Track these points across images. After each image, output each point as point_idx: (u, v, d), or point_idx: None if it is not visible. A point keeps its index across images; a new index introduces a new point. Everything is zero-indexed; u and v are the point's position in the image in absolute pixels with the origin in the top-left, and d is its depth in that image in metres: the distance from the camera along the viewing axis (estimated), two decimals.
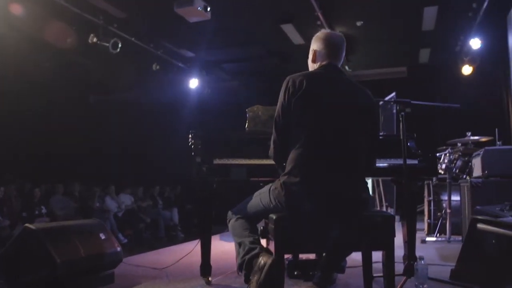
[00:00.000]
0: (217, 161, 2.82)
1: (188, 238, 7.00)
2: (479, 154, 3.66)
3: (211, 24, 6.93)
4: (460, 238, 4.64)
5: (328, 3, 6.62)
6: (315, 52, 2.42)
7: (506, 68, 6.72)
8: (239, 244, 2.35)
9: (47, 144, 8.04)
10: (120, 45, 6.73)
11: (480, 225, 2.25)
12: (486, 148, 3.49)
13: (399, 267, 3.28)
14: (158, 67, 7.83)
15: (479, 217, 2.41)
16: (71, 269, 2.77)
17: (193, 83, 8.95)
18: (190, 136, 3.14)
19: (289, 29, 7.54)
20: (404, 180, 2.68)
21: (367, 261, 2.56)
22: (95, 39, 6.39)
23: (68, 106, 8.29)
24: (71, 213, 7.03)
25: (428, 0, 6.59)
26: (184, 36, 7.57)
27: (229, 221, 2.55)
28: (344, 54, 2.43)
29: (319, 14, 6.83)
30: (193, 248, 3.50)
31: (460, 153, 4.61)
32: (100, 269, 3.05)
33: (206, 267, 2.99)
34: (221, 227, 6.75)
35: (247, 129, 3.18)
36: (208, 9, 6.01)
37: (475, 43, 7.07)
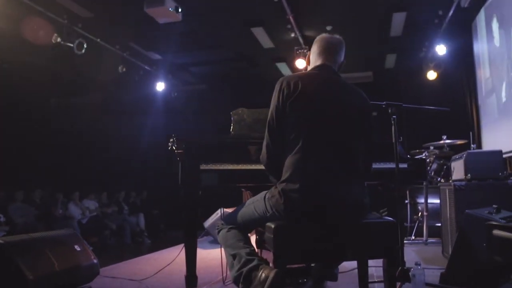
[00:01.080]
0: (203, 167, 2.68)
1: (156, 245, 6.80)
2: (460, 157, 3.69)
3: (180, 26, 6.76)
4: (435, 240, 4.69)
5: (299, 7, 6.60)
6: (309, 54, 2.40)
7: (471, 73, 6.91)
8: (234, 256, 2.22)
9: (4, 149, 7.61)
10: (85, 46, 6.45)
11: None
12: (469, 151, 3.53)
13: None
14: (124, 69, 7.57)
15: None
16: (45, 285, 2.55)
17: (160, 86, 8.73)
18: (171, 140, 2.99)
19: (259, 33, 7.47)
20: (397, 184, 2.65)
21: (363, 268, 2.50)
22: (58, 39, 6.08)
23: (29, 109, 7.88)
24: (31, 221, 6.71)
25: (397, 6, 6.69)
26: (152, 38, 7.36)
27: (219, 231, 2.42)
28: (341, 57, 2.36)
29: (290, 17, 6.81)
30: (175, 257, 3.34)
31: (435, 156, 4.68)
32: (76, 284, 2.84)
33: (191, 277, 2.84)
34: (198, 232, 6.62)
35: (232, 132, 3.06)
36: (180, 10, 5.85)
37: (441, 50, 7.24)
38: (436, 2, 6.48)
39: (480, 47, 6.34)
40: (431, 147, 4.87)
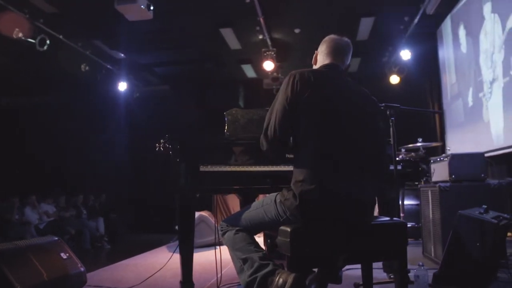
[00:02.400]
0: (203, 168, 2.58)
1: (119, 250, 6.58)
2: (441, 159, 3.78)
3: (147, 24, 6.58)
4: (413, 241, 4.80)
5: (269, 9, 6.58)
6: (316, 54, 2.35)
7: (436, 79, 7.15)
8: (244, 260, 2.13)
9: None
10: (48, 42, 6.13)
11: None
12: (453, 153, 3.62)
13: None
14: (87, 68, 7.25)
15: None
16: None
17: (122, 86, 8.45)
18: (162, 141, 2.88)
19: (228, 33, 7.40)
20: (396, 185, 2.67)
21: (368, 270, 2.48)
22: (20, 34, 5.73)
23: None
24: None
25: (365, 11, 6.82)
26: (118, 36, 7.11)
27: (224, 233, 2.33)
28: (348, 60, 2.33)
29: (261, 19, 6.78)
30: (165, 263, 3.20)
31: (411, 158, 4.78)
32: None
33: (188, 284, 2.72)
34: (166, 236, 6.46)
35: (227, 133, 2.98)
36: (151, 8, 5.67)
37: (405, 55, 7.45)
38: (404, 9, 6.66)
39: (446, 53, 6.57)
40: (402, 149, 4.99)
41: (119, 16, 5.85)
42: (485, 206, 2.98)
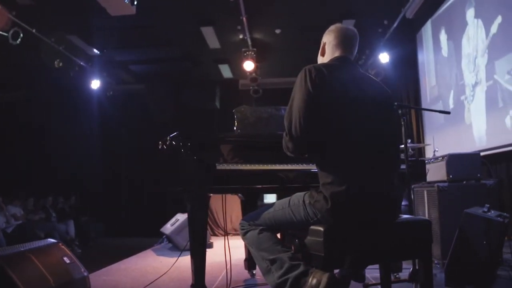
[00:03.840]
0: (220, 167, 2.49)
1: (89, 253, 6.36)
2: (436, 160, 3.85)
3: (127, 20, 6.40)
4: None
5: (252, 8, 6.54)
6: (324, 45, 2.22)
7: (414, 82, 7.29)
8: (272, 261, 2.06)
9: None
10: (21, 36, 5.84)
11: None
12: (450, 154, 3.68)
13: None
14: (61, 64, 6.97)
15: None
16: None
17: (95, 84, 8.17)
18: (169, 138, 2.78)
19: (209, 32, 7.30)
20: (407, 184, 2.68)
21: (386, 271, 2.47)
22: None
23: None
24: None
25: (347, 13, 6.88)
26: (94, 31, 6.88)
27: (246, 232, 2.24)
28: (356, 50, 2.22)
29: (244, 18, 6.73)
30: (170, 266, 3.08)
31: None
32: None
33: None
34: (151, 239, 6.26)
35: (238, 131, 2.91)
36: (135, 2, 5.50)
37: (384, 58, 7.57)
38: (384, 12, 6.76)
39: (426, 57, 6.72)
40: None
41: (98, 10, 5.64)
42: (488, 205, 3.05)
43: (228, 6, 6.38)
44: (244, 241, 2.28)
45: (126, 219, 8.77)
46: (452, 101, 5.73)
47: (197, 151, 2.57)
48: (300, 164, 2.68)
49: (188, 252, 3.12)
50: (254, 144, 2.76)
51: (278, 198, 3.60)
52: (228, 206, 6.45)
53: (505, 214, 3.08)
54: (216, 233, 6.47)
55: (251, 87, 9.03)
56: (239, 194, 3.53)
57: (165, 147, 3.01)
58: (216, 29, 7.21)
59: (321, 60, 2.23)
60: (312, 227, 2.03)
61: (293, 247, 2.18)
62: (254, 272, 3.49)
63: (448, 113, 2.99)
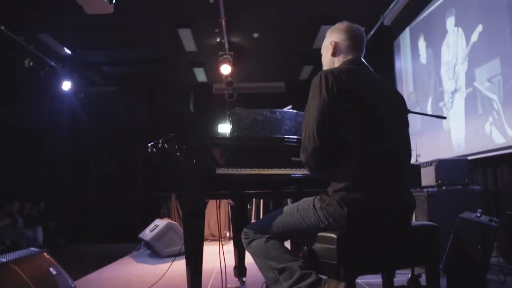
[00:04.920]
0: (220, 171, 2.39)
1: (60, 261, 6.06)
2: (424, 165, 3.87)
3: (102, 19, 6.21)
4: None
5: (231, 11, 6.47)
6: (335, 44, 2.11)
7: None
8: (281, 270, 1.97)
9: None
10: None
11: None
12: (439, 159, 3.70)
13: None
14: (31, 63, 6.67)
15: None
16: None
17: (66, 85, 7.88)
18: (162, 141, 2.66)
19: (186, 34, 7.20)
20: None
21: (389, 279, 2.44)
22: None
23: None
24: None
25: (326, 19, 6.90)
26: (67, 30, 6.63)
27: (250, 241, 2.14)
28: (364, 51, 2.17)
29: (223, 21, 6.65)
30: (163, 274, 2.94)
31: None
32: None
33: None
34: (124, 246, 6.04)
35: (234, 133, 2.81)
36: (113, 1, 5.33)
37: None
38: (362, 19, 6.81)
39: (403, 64, 6.81)
40: None
41: (74, 8, 5.44)
42: (480, 210, 3.07)
43: (207, 8, 6.29)
44: (248, 250, 2.17)
45: (96, 225, 8.47)
46: (431, 108, 5.82)
47: (195, 154, 2.46)
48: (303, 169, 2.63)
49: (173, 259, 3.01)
50: (256, 148, 2.67)
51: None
52: (205, 211, 6.37)
53: (495, 219, 3.11)
54: None
55: (225, 92, 8.93)
56: (229, 200, 3.43)
57: (154, 150, 2.89)
58: (193, 31, 7.10)
59: (331, 60, 2.14)
60: (322, 233, 1.96)
61: (300, 255, 2.10)
62: (244, 279, 3.39)
63: (444, 118, 3.00)
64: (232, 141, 2.69)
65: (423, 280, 2.79)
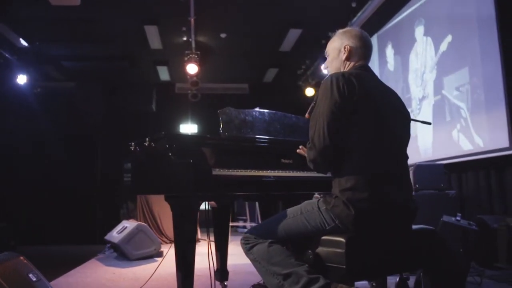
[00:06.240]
0: (216, 172, 2.32)
1: None
2: None
3: (66, 12, 5.95)
4: None
5: (200, 9, 6.37)
6: (350, 48, 2.13)
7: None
8: (286, 276, 1.92)
9: None
10: None
11: None
12: (418, 164, 3.79)
13: None
14: None
15: None
16: None
17: (22, 79, 7.47)
18: (149, 139, 2.56)
19: (152, 31, 7.01)
20: None
21: (383, 283, 2.45)
22: None
23: None
24: None
25: (295, 22, 6.94)
26: (27, 21, 6.28)
27: (252, 246, 2.08)
28: None
29: (192, 19, 6.53)
30: (150, 275, 2.80)
31: None
32: None
33: None
34: (88, 247, 5.77)
35: (226, 133, 2.74)
36: None
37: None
38: (331, 24, 6.90)
39: None
40: None
41: None
42: (460, 214, 3.16)
43: (176, 6, 6.16)
44: (248, 256, 2.11)
45: (51, 226, 8.06)
46: None
47: (190, 154, 2.37)
48: (303, 172, 2.61)
49: (143, 262, 2.84)
50: (253, 149, 2.64)
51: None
52: (168, 212, 6.21)
53: (471, 222, 3.21)
54: (160, 240, 6.13)
55: (189, 91, 8.77)
56: (212, 202, 3.34)
57: (138, 149, 2.77)
58: (160, 28, 6.93)
59: (342, 63, 2.14)
60: (328, 237, 1.94)
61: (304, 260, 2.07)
62: (226, 283, 3.30)
63: (429, 123, 3.06)
64: (229, 141, 2.63)
65: (410, 282, 2.84)
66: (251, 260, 2.10)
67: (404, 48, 5.82)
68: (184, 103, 9.30)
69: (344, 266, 1.86)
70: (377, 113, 1.97)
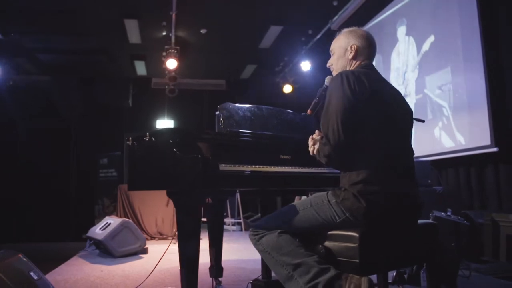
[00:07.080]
0: (223, 167, 2.30)
1: None
2: None
3: (42, 2, 5.79)
4: None
5: (182, 4, 6.30)
6: (357, 48, 2.19)
7: None
8: (296, 266, 1.93)
9: None
10: None
11: None
12: None
13: None
14: None
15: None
16: None
17: None
18: (150, 134, 2.51)
19: (132, 25, 6.90)
20: None
21: (384, 277, 2.50)
22: None
23: None
24: None
25: (276, 19, 6.96)
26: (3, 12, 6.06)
27: (260, 237, 2.08)
28: None
29: (173, 14, 6.45)
30: (150, 273, 2.75)
31: None
32: None
33: None
34: (73, 244, 5.61)
35: (227, 129, 2.72)
36: None
37: (305, 66, 7.81)
38: (311, 22, 6.97)
39: None
40: None
41: None
42: (450, 209, 3.25)
43: (158, 0, 6.09)
44: (257, 247, 2.11)
45: (22, 223, 7.82)
46: None
47: (196, 149, 2.36)
48: (312, 168, 2.63)
49: (129, 259, 2.75)
50: (257, 145, 2.64)
51: None
52: (153, 208, 6.13)
53: (460, 217, 3.31)
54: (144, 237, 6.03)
55: (166, 87, 8.66)
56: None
57: (136, 144, 2.72)
58: (140, 22, 6.82)
59: (349, 62, 2.20)
60: (339, 232, 1.96)
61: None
62: (220, 280, 3.29)
63: (423, 121, 3.13)
64: (235, 137, 2.62)
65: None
66: (259, 251, 2.10)
67: (385, 47, 5.93)
68: (161, 99, 9.19)
69: (358, 261, 1.89)
70: (386, 109, 2.03)
